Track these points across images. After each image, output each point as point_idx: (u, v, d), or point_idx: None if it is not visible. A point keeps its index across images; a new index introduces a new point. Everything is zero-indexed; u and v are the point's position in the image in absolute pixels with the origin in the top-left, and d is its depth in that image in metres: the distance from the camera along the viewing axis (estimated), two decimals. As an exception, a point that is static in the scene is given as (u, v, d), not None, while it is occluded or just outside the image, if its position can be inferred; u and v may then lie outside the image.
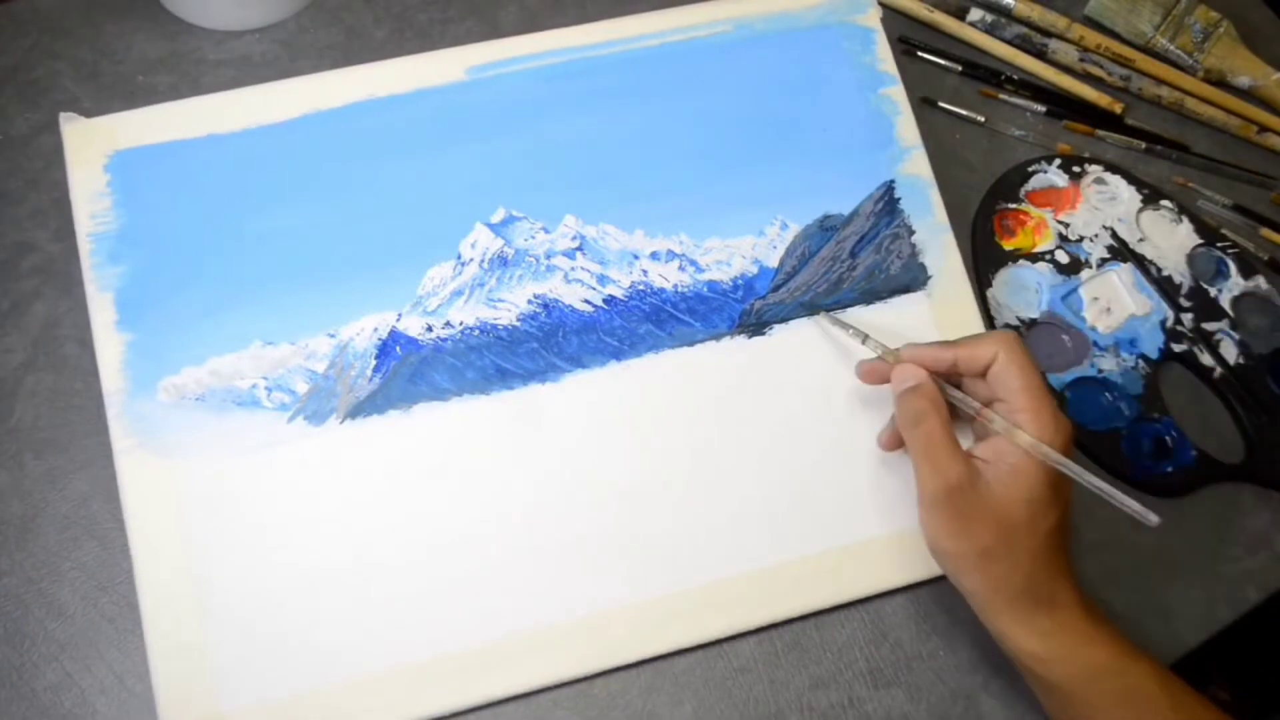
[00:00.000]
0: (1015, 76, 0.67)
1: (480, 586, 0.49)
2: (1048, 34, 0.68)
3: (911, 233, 0.56)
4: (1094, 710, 0.44)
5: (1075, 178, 0.62)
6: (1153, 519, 0.44)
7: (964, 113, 0.65)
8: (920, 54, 0.67)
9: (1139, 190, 0.62)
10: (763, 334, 0.53)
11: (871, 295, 0.55)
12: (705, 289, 0.54)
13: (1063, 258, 0.60)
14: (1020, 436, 0.45)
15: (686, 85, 0.57)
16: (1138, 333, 0.59)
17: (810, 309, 0.54)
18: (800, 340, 0.53)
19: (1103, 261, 0.60)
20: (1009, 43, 0.68)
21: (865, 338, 0.51)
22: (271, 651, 0.47)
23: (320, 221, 0.52)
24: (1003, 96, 0.66)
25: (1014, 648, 0.45)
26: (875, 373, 0.51)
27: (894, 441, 0.51)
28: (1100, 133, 0.65)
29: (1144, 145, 0.65)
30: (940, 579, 0.52)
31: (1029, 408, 0.45)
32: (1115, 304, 0.59)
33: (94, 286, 0.50)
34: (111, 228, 0.51)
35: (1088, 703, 0.44)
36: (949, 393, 0.48)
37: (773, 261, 0.55)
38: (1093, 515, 0.55)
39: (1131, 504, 0.44)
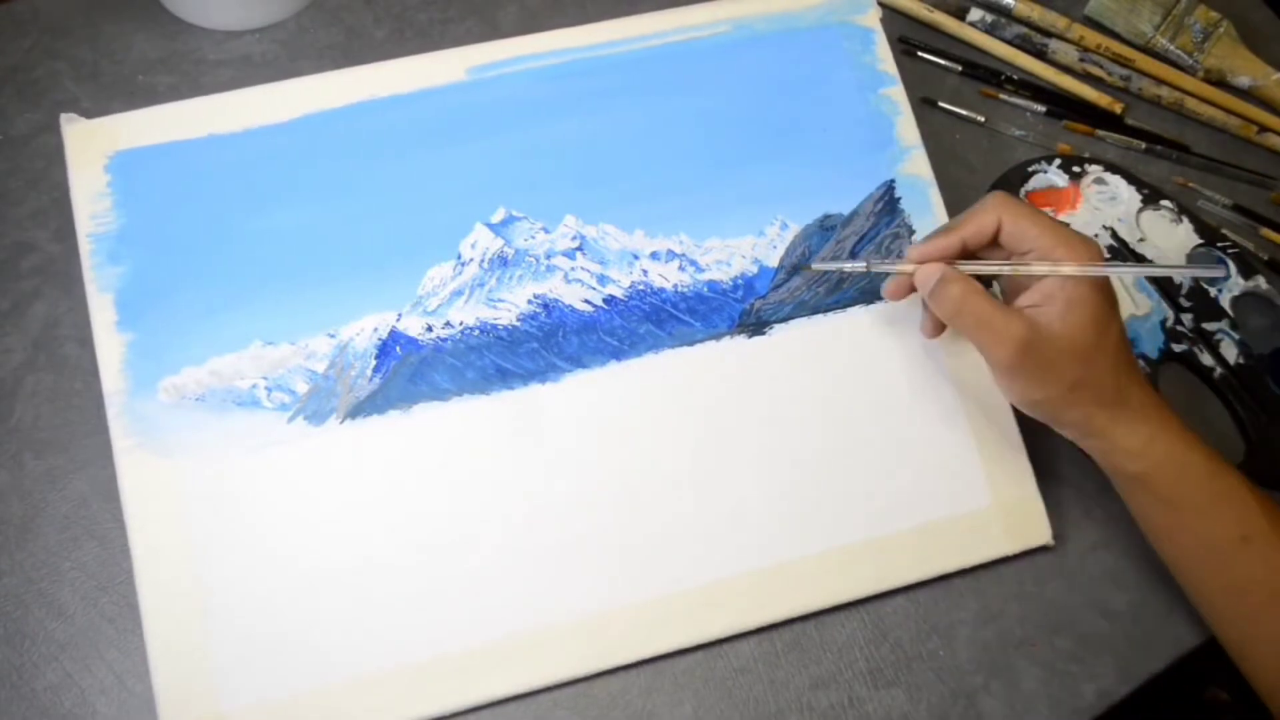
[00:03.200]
0: (1015, 76, 0.67)
1: (480, 586, 0.49)
2: (1048, 34, 0.68)
3: (912, 232, 0.56)
4: (1194, 510, 0.47)
5: (1075, 178, 0.62)
6: (1220, 271, 0.45)
7: (964, 113, 0.65)
8: (920, 54, 0.67)
9: (1139, 190, 0.62)
10: (763, 334, 0.53)
11: (871, 295, 0.54)
12: (705, 289, 0.54)
13: (1063, 258, 0.60)
14: (1068, 268, 0.46)
15: (686, 85, 0.57)
16: (1138, 333, 0.59)
17: (811, 309, 0.54)
18: (800, 340, 0.53)
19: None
20: (1009, 43, 0.68)
21: (866, 266, 0.51)
22: (271, 651, 0.47)
23: (320, 221, 0.52)
24: (1003, 96, 0.66)
25: (1123, 459, 0.47)
26: (901, 287, 0.51)
27: (935, 327, 0.51)
28: (1100, 133, 0.65)
29: (1144, 145, 0.65)
30: (940, 579, 0.52)
31: (1055, 243, 0.46)
32: (1115, 304, 0.59)
33: (94, 286, 0.50)
34: (112, 228, 0.51)
35: (1188, 502, 0.47)
36: (980, 269, 0.48)
37: (773, 261, 0.55)
38: (1092, 515, 0.55)
39: (1194, 269, 0.46)
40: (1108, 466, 0.49)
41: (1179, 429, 0.47)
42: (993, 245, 0.48)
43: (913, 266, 0.49)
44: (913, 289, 0.50)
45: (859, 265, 0.52)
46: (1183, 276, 0.46)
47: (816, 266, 0.54)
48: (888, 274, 0.51)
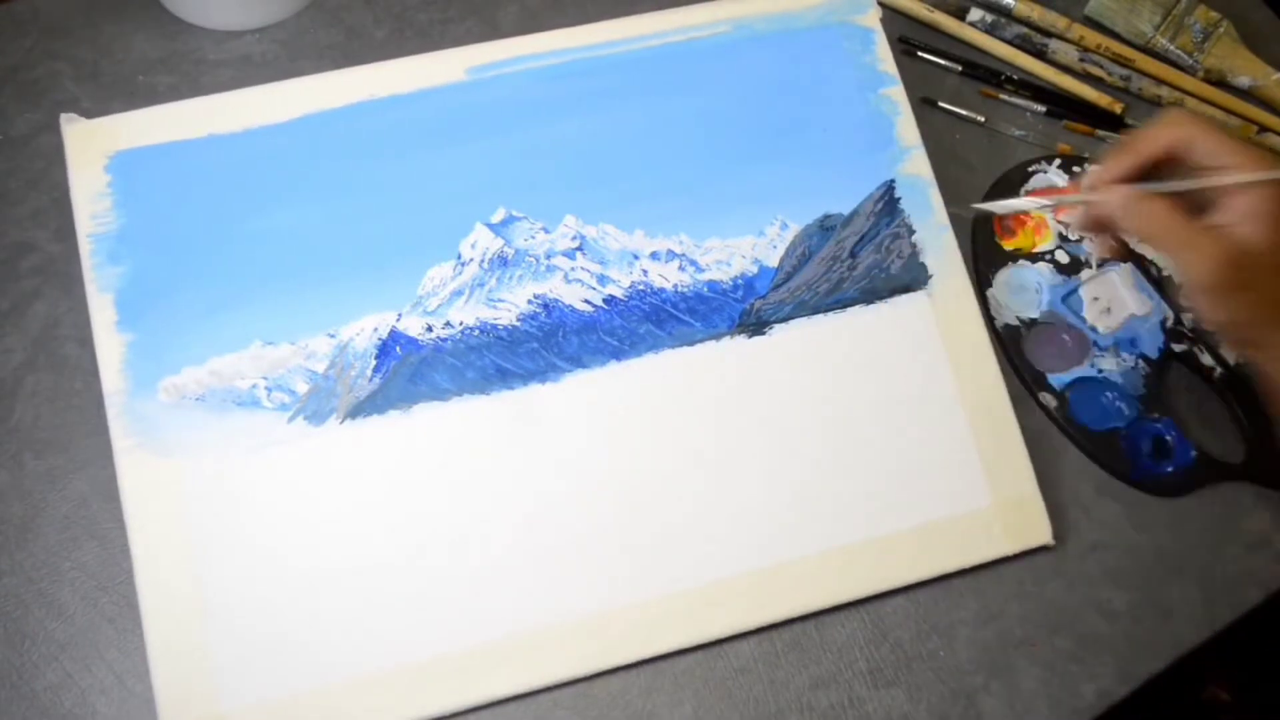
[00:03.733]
0: (1015, 76, 0.67)
1: (480, 586, 0.49)
2: (1048, 34, 0.68)
3: (912, 232, 0.56)
4: None
5: (1075, 178, 0.62)
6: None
7: (964, 113, 0.65)
8: (920, 54, 0.67)
9: (1139, 190, 0.62)
10: (763, 334, 0.53)
11: (872, 295, 0.55)
12: (705, 289, 0.54)
13: (1063, 258, 0.60)
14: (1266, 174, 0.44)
15: (686, 85, 0.57)
16: (1138, 333, 0.59)
17: (811, 309, 0.54)
18: (800, 340, 0.53)
19: (1103, 261, 0.60)
20: (1009, 43, 0.68)
21: (1055, 204, 0.50)
22: (271, 651, 0.47)
23: (321, 221, 0.52)
24: (1003, 96, 0.66)
25: None
26: (1094, 219, 0.49)
27: (1111, 248, 0.50)
28: (1100, 133, 0.65)
29: (1144, 145, 0.65)
30: (940, 579, 0.52)
31: (1243, 159, 0.44)
32: (1115, 304, 0.59)
33: (94, 286, 0.50)
34: (112, 228, 0.51)
35: None
36: (1172, 187, 0.46)
37: (773, 261, 0.55)
38: (1092, 515, 0.55)
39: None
40: None
41: None
42: (1170, 163, 0.47)
43: (1095, 195, 0.47)
44: (1101, 219, 0.48)
45: (1038, 203, 0.50)
46: None
47: (986, 207, 0.51)
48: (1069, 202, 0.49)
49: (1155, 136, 0.46)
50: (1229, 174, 0.44)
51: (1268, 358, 0.47)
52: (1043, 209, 0.50)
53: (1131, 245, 0.49)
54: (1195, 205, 0.46)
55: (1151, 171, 0.47)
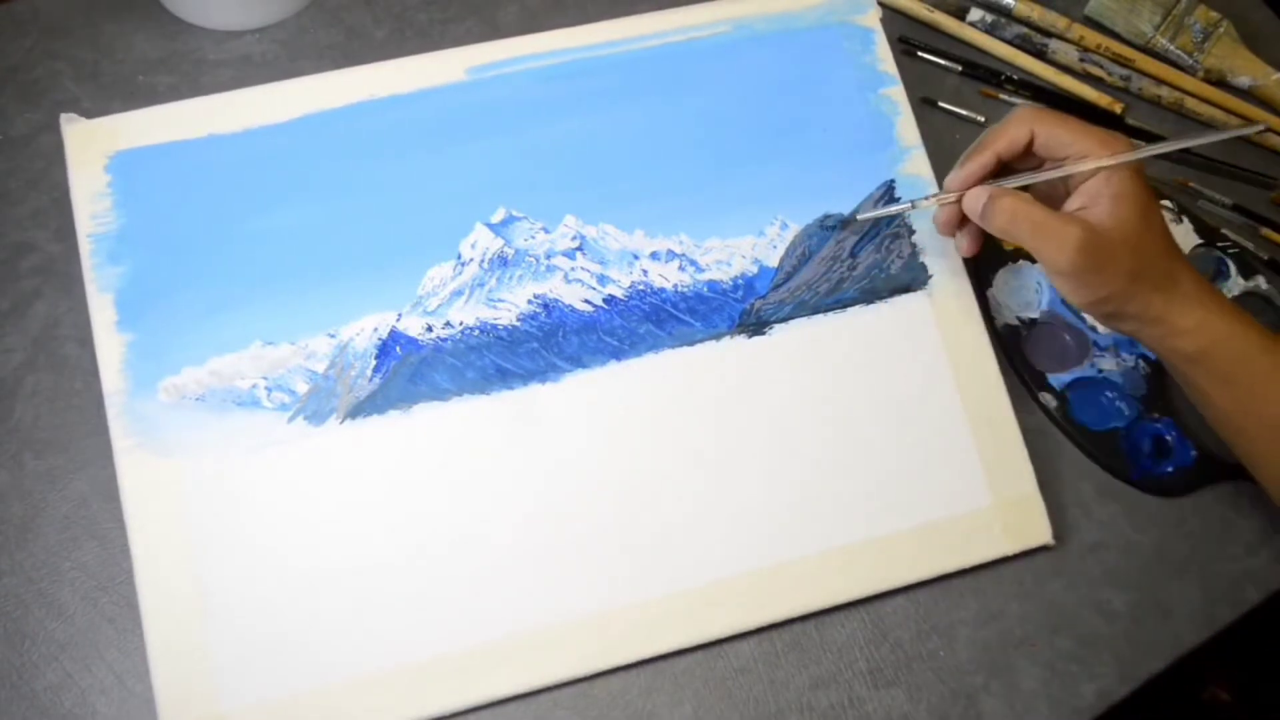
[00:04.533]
0: (1015, 76, 0.67)
1: (480, 586, 0.49)
2: (1048, 34, 0.68)
3: (911, 232, 0.56)
4: (1255, 383, 0.48)
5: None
6: (1254, 127, 0.50)
7: (964, 113, 0.65)
8: (920, 54, 0.67)
9: (1139, 190, 0.62)
10: (763, 334, 0.53)
11: (872, 294, 0.54)
12: (705, 289, 0.54)
13: (1063, 258, 0.60)
14: (1108, 159, 0.47)
15: (686, 85, 0.57)
16: (1138, 333, 0.59)
17: (811, 309, 0.54)
18: (800, 340, 0.53)
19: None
20: (1009, 43, 0.68)
21: (913, 204, 0.53)
22: (271, 651, 0.47)
23: (321, 221, 0.52)
24: (1003, 96, 0.66)
25: (1179, 336, 0.48)
26: (952, 218, 0.52)
27: (973, 242, 0.53)
28: (1100, 133, 0.65)
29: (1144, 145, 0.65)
30: (940, 579, 0.52)
31: (1091, 143, 0.47)
32: (1115, 304, 0.59)
33: (94, 286, 0.50)
34: (112, 228, 0.51)
35: (1248, 377, 0.48)
36: (1024, 180, 0.49)
37: (773, 261, 0.55)
38: (1092, 515, 0.55)
39: (1229, 132, 0.50)
40: (1165, 350, 0.49)
41: (1231, 308, 0.48)
42: (1025, 156, 0.50)
43: (956, 194, 0.50)
44: (962, 218, 0.51)
45: (904, 206, 0.53)
46: (1214, 140, 0.50)
47: (862, 217, 0.55)
48: (931, 205, 0.53)
49: (1004, 132, 0.49)
50: (1079, 162, 0.48)
51: (1134, 328, 0.49)
52: (910, 209, 0.53)
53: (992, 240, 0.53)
54: (1058, 195, 0.50)
55: (1008, 168, 0.51)
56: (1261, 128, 0.48)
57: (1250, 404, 0.48)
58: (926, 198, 0.52)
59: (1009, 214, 0.48)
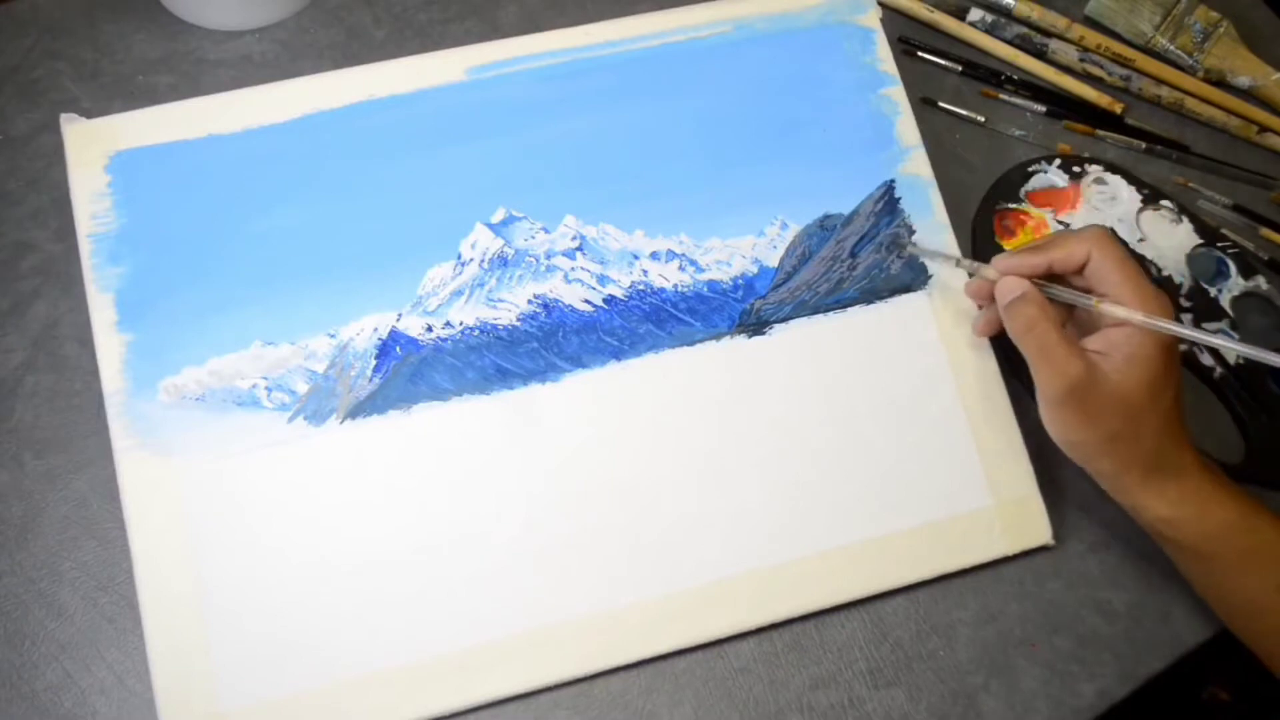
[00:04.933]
0: (1015, 76, 0.67)
1: (480, 586, 0.49)
2: (1048, 34, 0.68)
3: (911, 232, 0.56)
4: (1226, 566, 0.47)
5: (1075, 178, 0.62)
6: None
7: (964, 113, 0.65)
8: (920, 54, 0.67)
9: (1139, 190, 0.62)
10: (763, 334, 0.53)
11: (872, 294, 0.55)
12: (705, 289, 0.54)
13: (1063, 258, 0.60)
14: (1138, 317, 0.46)
15: (686, 85, 0.57)
16: (1138, 333, 0.59)
17: (811, 309, 0.54)
18: (800, 340, 0.53)
19: None
20: (1009, 43, 0.68)
21: (957, 261, 0.53)
22: (271, 651, 0.47)
23: (320, 221, 0.52)
24: (1003, 96, 0.66)
25: (1149, 518, 0.48)
26: (981, 291, 0.52)
27: (988, 328, 0.53)
28: (1100, 133, 0.65)
29: (1144, 145, 0.65)
30: (940, 579, 0.52)
31: (1133, 294, 0.46)
32: (1115, 304, 0.59)
33: (94, 287, 0.50)
34: (112, 228, 0.51)
35: (1220, 558, 0.47)
36: (1058, 293, 0.49)
37: (773, 261, 0.55)
38: (1092, 515, 0.55)
39: (1260, 355, 0.46)
40: (1137, 521, 0.49)
41: (1211, 488, 0.47)
42: (1078, 274, 0.49)
43: (996, 275, 0.50)
44: (992, 295, 0.50)
45: (950, 258, 0.53)
46: (1244, 355, 0.47)
47: (911, 250, 0.55)
48: (972, 269, 0.52)
49: (1066, 243, 0.48)
50: (1106, 303, 0.47)
51: (1099, 479, 0.49)
52: (956, 264, 0.53)
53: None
54: (1089, 328, 0.49)
55: (1062, 278, 0.49)
56: None
57: (1227, 580, 0.48)
58: (973, 262, 0.51)
59: (1026, 322, 0.47)
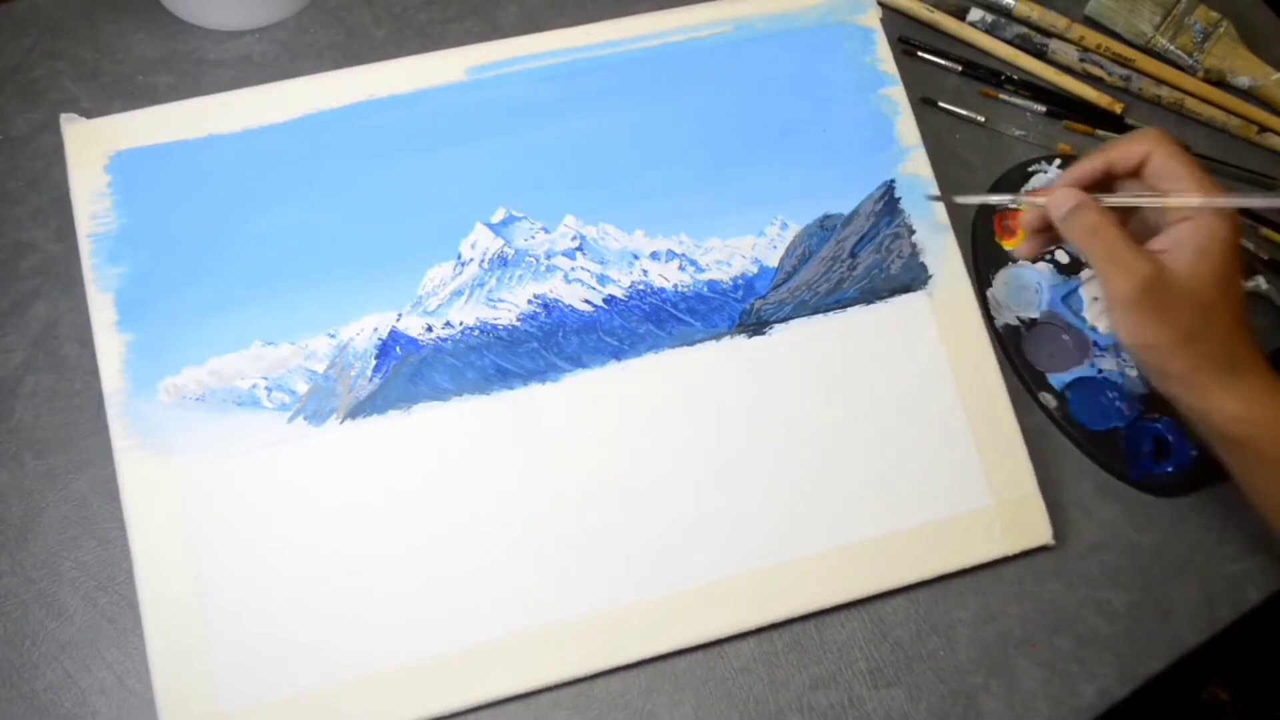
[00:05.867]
0: (1015, 76, 0.67)
1: (480, 586, 0.49)
2: (1048, 34, 0.68)
3: (912, 232, 0.56)
4: None
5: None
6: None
7: (964, 113, 0.65)
8: (920, 54, 0.67)
9: (1139, 190, 0.62)
10: (763, 334, 0.53)
11: (872, 294, 0.55)
12: (705, 289, 0.54)
13: (1063, 258, 0.60)
14: (1217, 200, 0.45)
15: (686, 85, 0.57)
16: (1138, 333, 0.59)
17: (811, 309, 0.54)
18: (800, 340, 0.53)
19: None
20: (1009, 43, 0.68)
21: (1012, 200, 0.52)
22: (271, 651, 0.47)
23: (320, 221, 0.52)
24: (1003, 96, 0.66)
25: (1222, 419, 0.46)
26: (1036, 218, 0.50)
27: (1033, 247, 0.51)
28: (1100, 133, 0.65)
29: (1144, 145, 0.65)
30: (940, 579, 0.52)
31: (1199, 188, 0.45)
32: (1115, 304, 0.59)
33: (94, 287, 0.50)
34: (112, 228, 0.51)
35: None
36: (1121, 201, 0.48)
37: (773, 261, 0.55)
38: (1092, 515, 0.55)
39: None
40: (1205, 427, 0.48)
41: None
42: (1134, 178, 0.48)
43: (1050, 197, 0.48)
44: (1045, 220, 0.49)
45: (1004, 198, 0.52)
46: None
47: (960, 200, 0.54)
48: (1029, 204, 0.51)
49: (1122, 144, 0.47)
50: (1177, 196, 0.46)
51: (1177, 390, 0.48)
52: (1011, 204, 0.52)
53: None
54: (1150, 231, 0.47)
55: (1116, 185, 0.49)
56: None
57: None
58: (1031, 193, 0.50)
59: (1089, 228, 0.46)
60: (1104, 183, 0.48)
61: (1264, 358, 0.47)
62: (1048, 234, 0.50)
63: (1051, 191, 0.48)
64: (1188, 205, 0.45)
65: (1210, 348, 0.46)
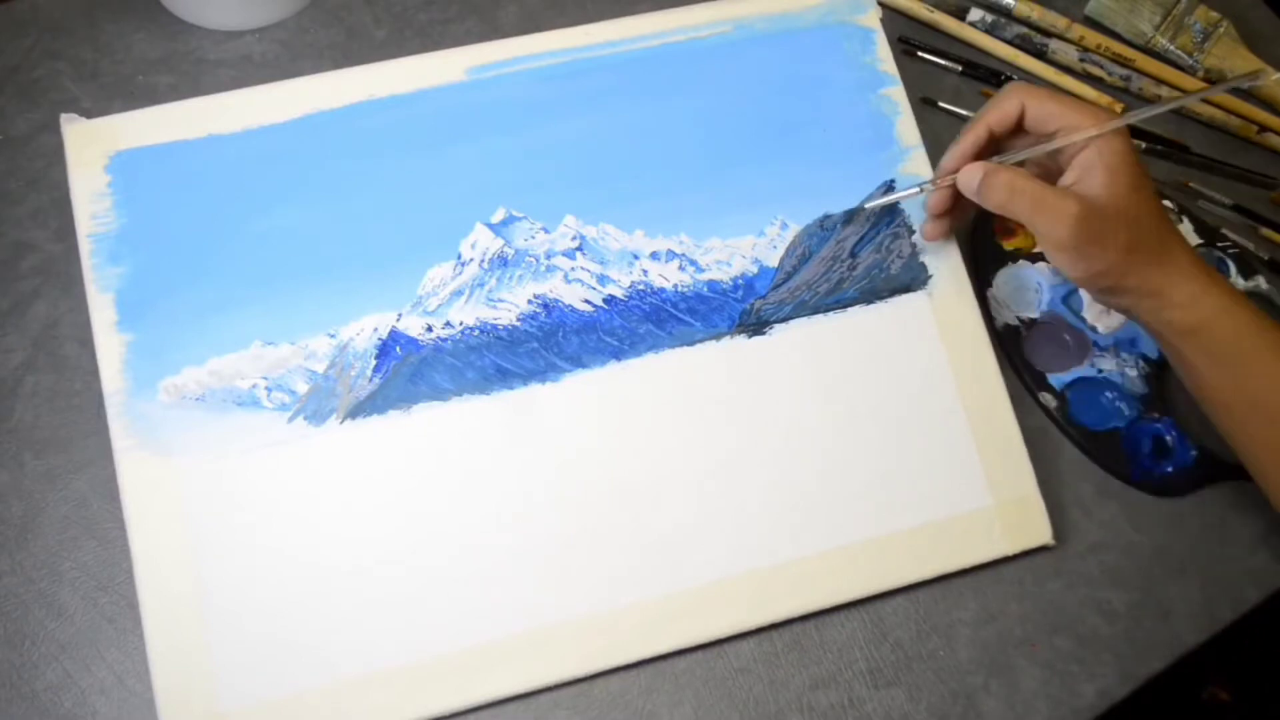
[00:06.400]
0: (1015, 76, 0.67)
1: (480, 586, 0.49)
2: (1048, 34, 0.68)
3: (911, 232, 0.56)
4: (1260, 364, 0.48)
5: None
6: (1254, 79, 0.49)
7: (964, 113, 0.65)
8: (920, 54, 0.67)
9: (1139, 190, 0.62)
10: (763, 334, 0.53)
11: (872, 294, 0.54)
12: (705, 289, 0.54)
13: (1063, 258, 0.60)
14: (1094, 129, 0.47)
15: (686, 85, 0.57)
16: (1138, 332, 0.59)
17: (811, 309, 0.54)
18: (800, 340, 0.53)
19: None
20: (1009, 43, 0.68)
21: (919, 188, 0.53)
22: (271, 651, 0.47)
23: (321, 221, 0.52)
24: (1003, 96, 0.66)
25: (1177, 310, 0.48)
26: (942, 200, 0.53)
27: (938, 228, 0.54)
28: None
29: (1144, 145, 0.65)
30: (940, 579, 0.52)
31: (1081, 116, 0.48)
32: (1115, 304, 0.59)
33: (94, 287, 0.50)
34: (112, 228, 0.51)
35: (1251, 357, 0.48)
36: (1016, 156, 0.50)
37: (773, 261, 0.55)
38: (1092, 515, 0.55)
39: (1223, 85, 0.51)
40: (1160, 324, 0.49)
41: (1224, 284, 0.48)
42: (1017, 133, 0.50)
43: (954, 174, 0.50)
44: (953, 198, 0.51)
45: (913, 190, 0.53)
46: (1208, 94, 0.52)
47: (870, 205, 0.55)
48: (929, 188, 0.53)
49: (995, 106, 0.50)
50: (1069, 133, 0.48)
51: (1130, 301, 0.49)
52: (916, 195, 0.53)
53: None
54: (1053, 173, 0.50)
55: (1001, 145, 0.51)
56: (1260, 79, 0.48)
57: (1240, 381, 0.48)
58: (931, 181, 0.52)
59: (1007, 188, 0.48)
60: (990, 148, 0.51)
61: (1191, 248, 0.49)
62: (949, 216, 0.53)
63: (941, 168, 0.51)
64: (1083, 138, 0.47)
65: (1150, 249, 0.48)
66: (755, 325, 0.54)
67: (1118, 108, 0.66)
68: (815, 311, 0.54)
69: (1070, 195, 0.47)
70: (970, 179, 0.49)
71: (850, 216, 0.55)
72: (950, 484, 0.52)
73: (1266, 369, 0.47)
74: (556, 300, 0.53)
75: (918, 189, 0.53)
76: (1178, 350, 0.49)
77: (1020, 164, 0.50)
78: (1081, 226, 0.46)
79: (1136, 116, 0.48)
